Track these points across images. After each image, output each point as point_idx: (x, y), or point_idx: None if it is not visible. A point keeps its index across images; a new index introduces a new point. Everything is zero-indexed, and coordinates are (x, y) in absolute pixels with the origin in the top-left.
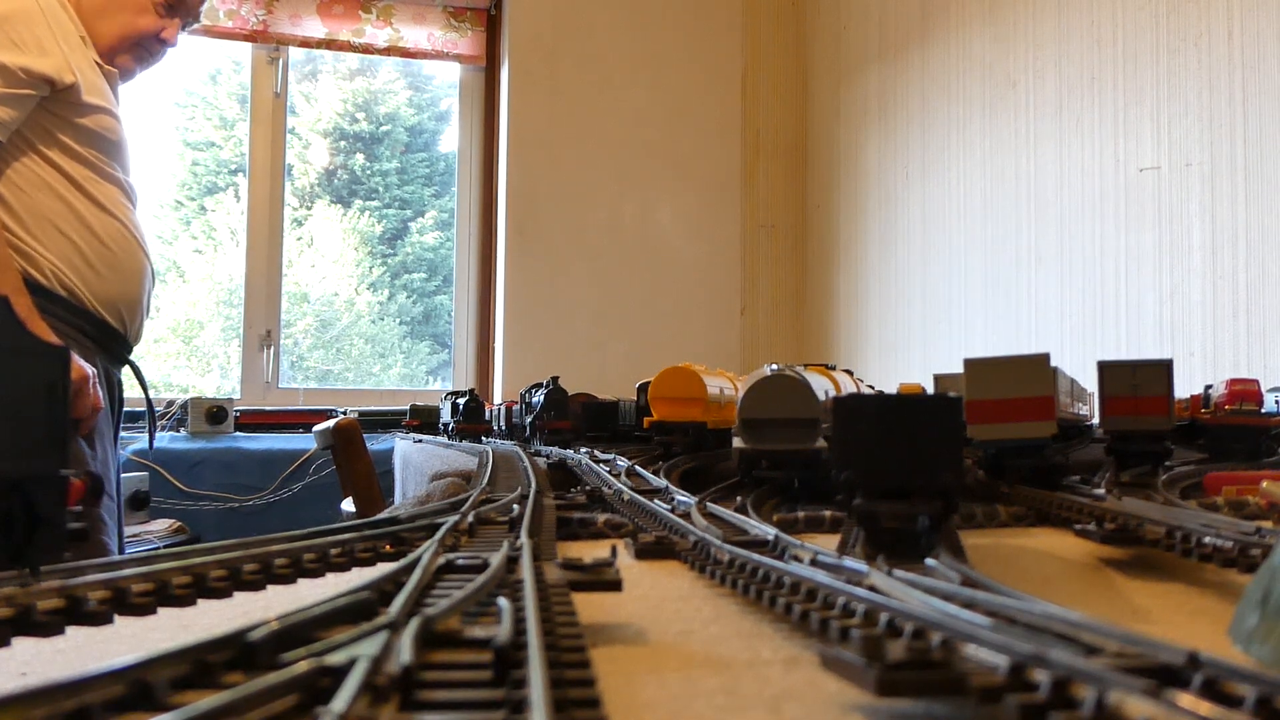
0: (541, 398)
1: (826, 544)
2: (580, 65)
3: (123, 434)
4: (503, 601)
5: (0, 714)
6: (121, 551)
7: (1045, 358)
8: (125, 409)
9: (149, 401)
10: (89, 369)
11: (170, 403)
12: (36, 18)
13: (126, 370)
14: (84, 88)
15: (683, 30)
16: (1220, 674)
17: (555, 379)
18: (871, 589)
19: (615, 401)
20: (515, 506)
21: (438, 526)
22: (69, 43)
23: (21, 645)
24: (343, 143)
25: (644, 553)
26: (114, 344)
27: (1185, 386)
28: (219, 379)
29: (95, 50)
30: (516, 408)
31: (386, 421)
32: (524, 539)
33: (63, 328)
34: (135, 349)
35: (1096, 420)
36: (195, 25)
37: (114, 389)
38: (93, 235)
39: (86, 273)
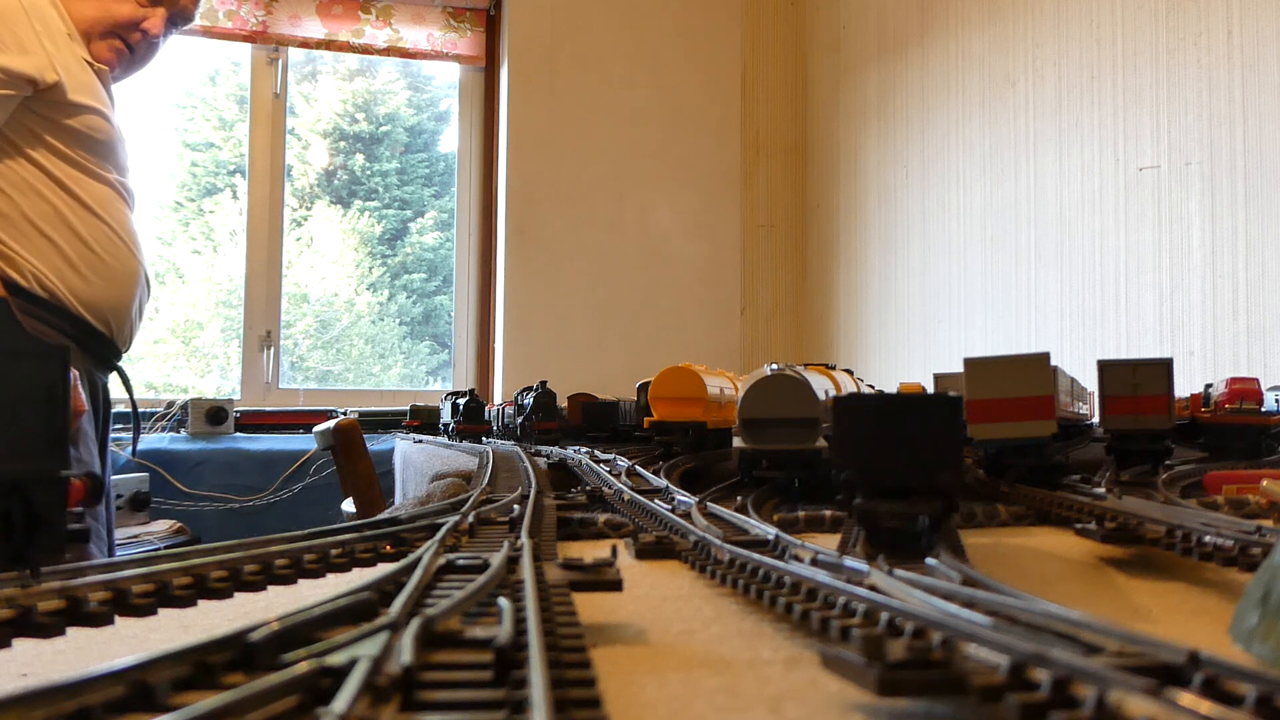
0: (530, 400)
1: (827, 544)
2: (580, 65)
3: (122, 435)
4: (503, 602)
5: (1, 715)
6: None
7: (1045, 357)
8: (124, 411)
9: (134, 405)
10: (70, 371)
11: (170, 403)
12: (18, 16)
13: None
14: (70, 87)
15: (682, 30)
16: (1221, 673)
17: (544, 383)
18: (872, 588)
19: (615, 401)
20: (516, 507)
21: (438, 527)
22: (54, 40)
23: (22, 646)
24: (342, 143)
25: (644, 553)
26: (100, 348)
27: (1185, 385)
28: (219, 380)
29: (84, 45)
30: (510, 409)
31: (387, 422)
32: (524, 539)
33: (43, 330)
34: (131, 351)
35: (1097, 419)
36: (187, 25)
37: (98, 392)
38: (77, 238)
39: (70, 276)
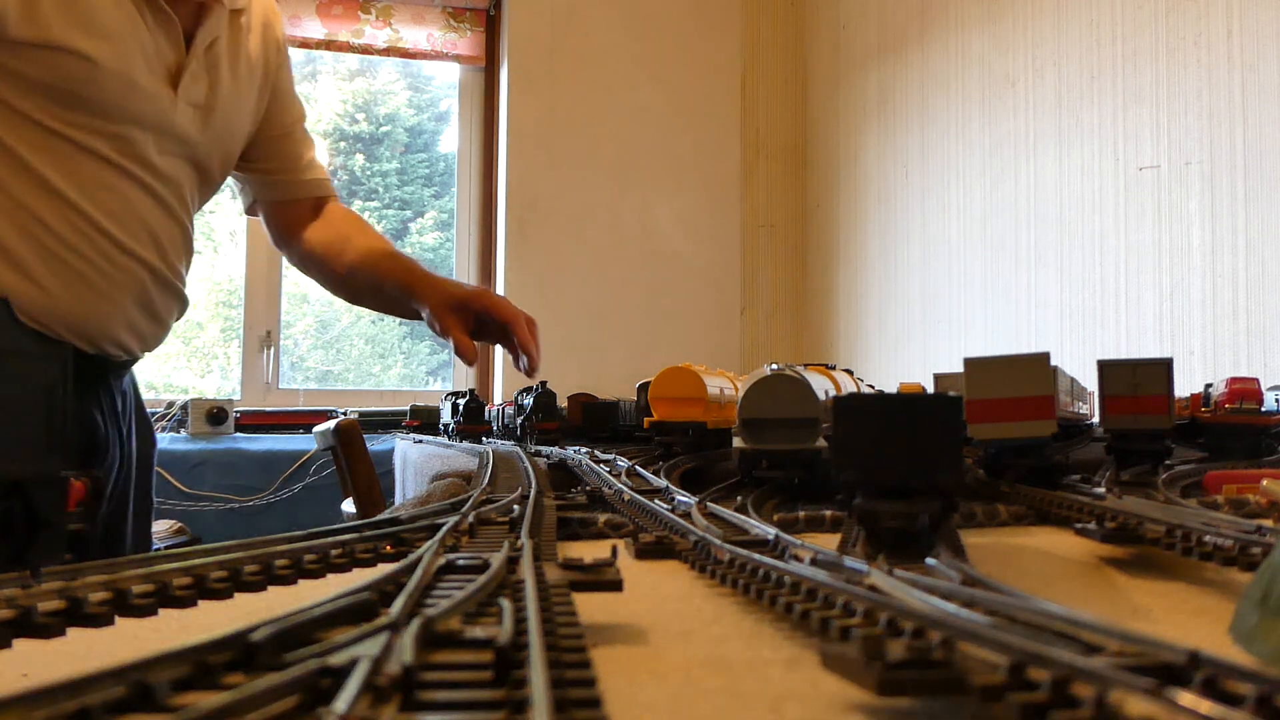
0: (530, 400)
1: (827, 544)
2: (580, 65)
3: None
4: (503, 602)
5: (2, 714)
6: None
7: (1045, 357)
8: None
9: (134, 424)
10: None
11: (170, 404)
12: None
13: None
14: (15, 19)
15: (682, 30)
16: (1221, 672)
17: (544, 383)
18: (872, 588)
19: (615, 401)
20: (516, 507)
21: (438, 527)
22: None
23: (22, 646)
24: (342, 143)
25: (644, 553)
26: (77, 364)
27: (1185, 385)
28: (219, 380)
29: None
30: (510, 409)
31: (387, 422)
32: (525, 539)
33: None
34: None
35: (1096, 419)
36: None
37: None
38: (25, 230)
39: (9, 279)
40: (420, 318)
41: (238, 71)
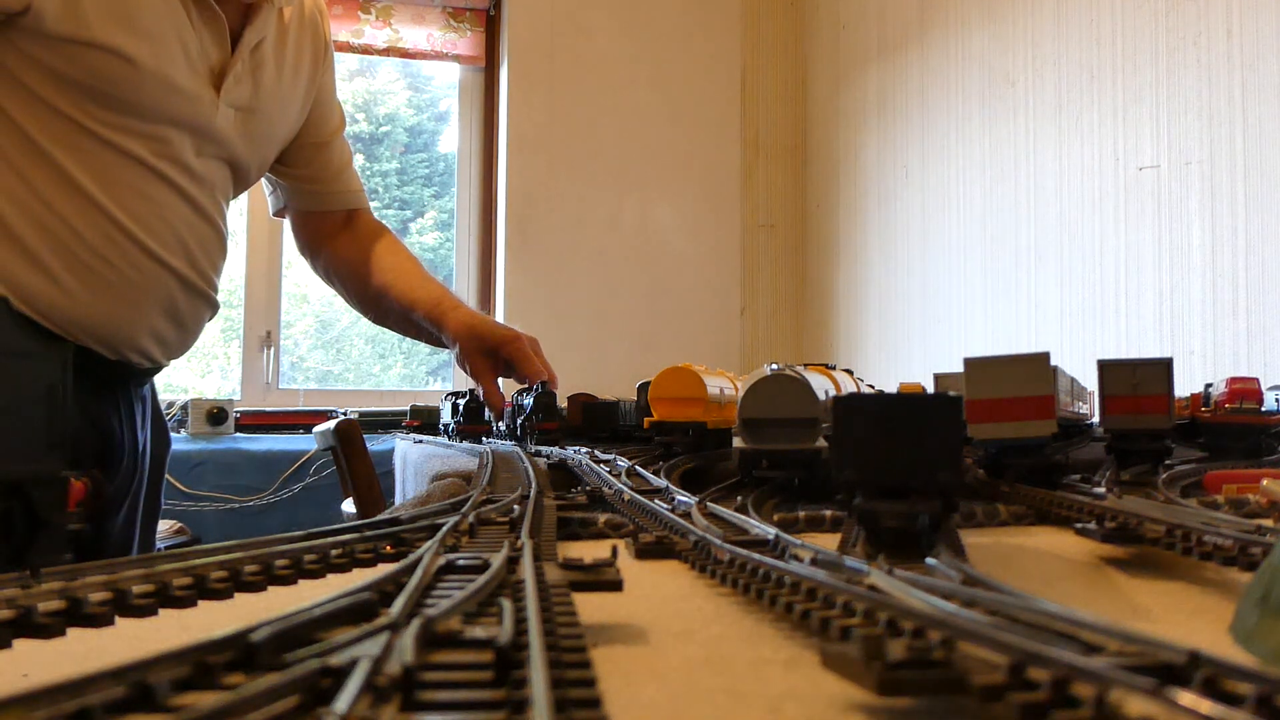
0: (530, 400)
1: (827, 544)
2: (579, 65)
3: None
4: (504, 602)
5: (1, 714)
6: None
7: (1045, 356)
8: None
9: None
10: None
11: (170, 404)
12: None
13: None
14: (54, 15)
15: (682, 30)
16: (1221, 672)
17: (544, 383)
18: (872, 588)
19: (615, 401)
20: (516, 507)
21: (438, 527)
22: None
23: (22, 647)
24: None
25: (644, 553)
26: (98, 369)
27: (1185, 385)
28: (219, 380)
29: None
30: (509, 409)
31: (387, 422)
32: (525, 539)
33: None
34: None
35: (1096, 419)
36: None
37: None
38: (52, 233)
39: (29, 279)
40: (445, 346)
41: (283, 73)
